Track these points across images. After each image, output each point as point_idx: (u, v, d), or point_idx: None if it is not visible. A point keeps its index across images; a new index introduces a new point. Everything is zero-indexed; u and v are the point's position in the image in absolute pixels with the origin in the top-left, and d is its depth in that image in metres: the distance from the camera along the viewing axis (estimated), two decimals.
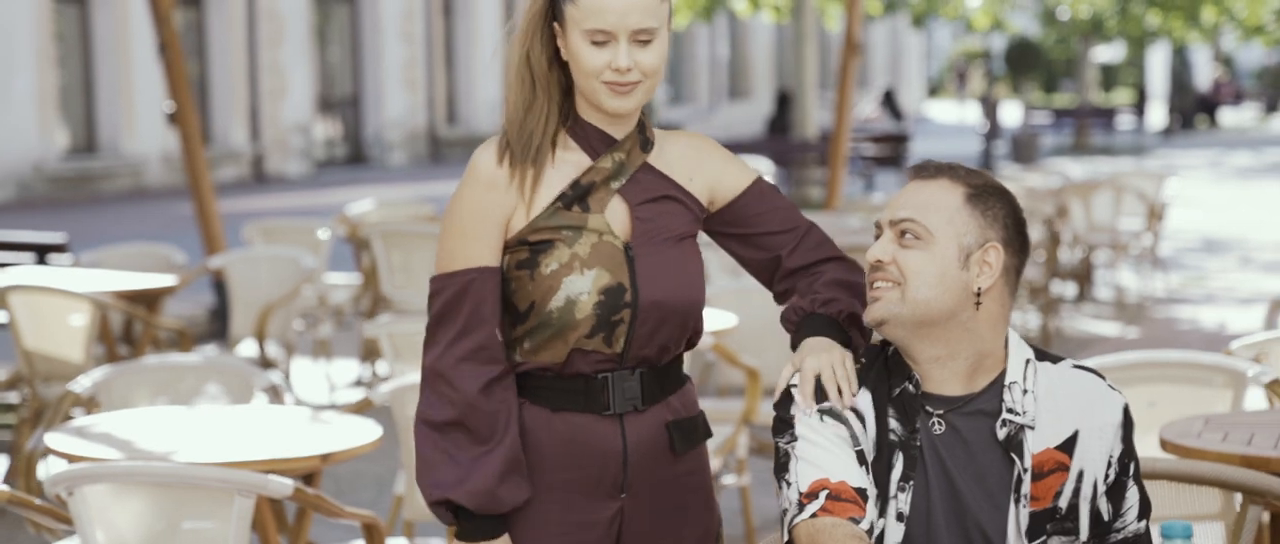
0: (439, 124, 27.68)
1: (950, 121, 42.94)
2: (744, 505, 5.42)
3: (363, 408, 4.44)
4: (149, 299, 6.90)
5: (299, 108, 24.51)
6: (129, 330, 7.04)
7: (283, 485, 3.47)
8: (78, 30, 21.28)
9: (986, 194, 2.51)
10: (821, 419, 2.49)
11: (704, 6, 18.82)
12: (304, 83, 24.65)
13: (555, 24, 2.62)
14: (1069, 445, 2.47)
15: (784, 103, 21.81)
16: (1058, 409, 2.48)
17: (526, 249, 2.62)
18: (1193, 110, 39.98)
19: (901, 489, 2.46)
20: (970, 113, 40.61)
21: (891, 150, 19.83)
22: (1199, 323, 10.54)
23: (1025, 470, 2.46)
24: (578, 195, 2.63)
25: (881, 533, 2.46)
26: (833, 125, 12.53)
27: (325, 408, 5.06)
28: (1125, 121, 34.70)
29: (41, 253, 8.25)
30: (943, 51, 57.48)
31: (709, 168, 2.70)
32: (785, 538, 2.47)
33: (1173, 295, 11.89)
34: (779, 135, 20.77)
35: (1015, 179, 13.50)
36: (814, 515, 2.41)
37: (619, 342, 2.62)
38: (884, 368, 2.53)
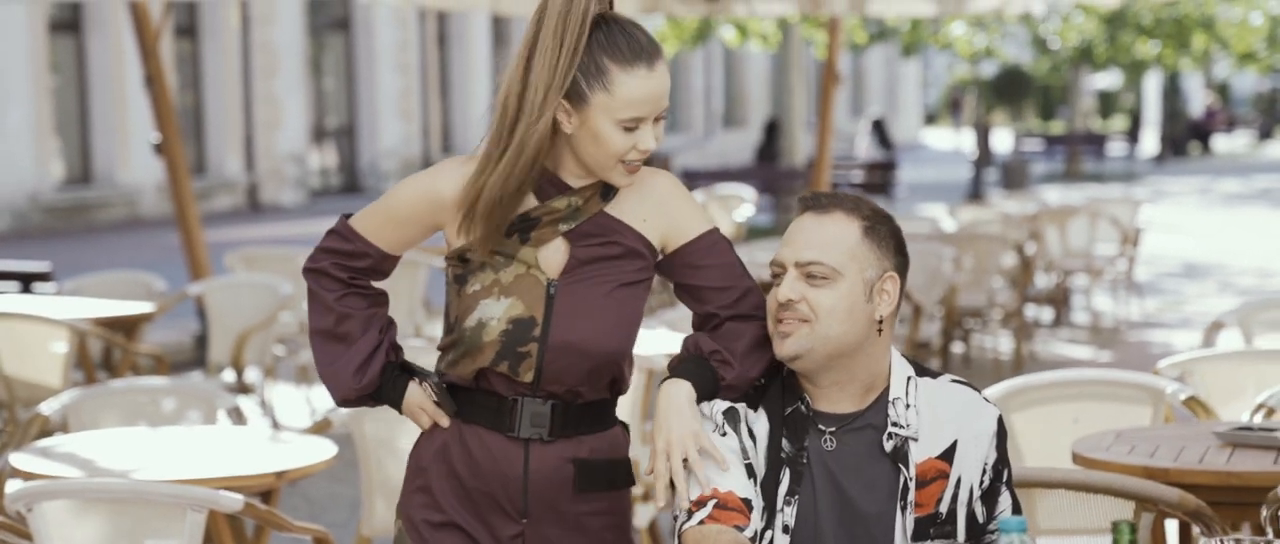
0: (434, 152, 27.87)
1: (946, 149, 43.14)
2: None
3: (322, 428, 4.60)
4: (128, 326, 7.06)
5: (294, 137, 24.71)
6: (108, 357, 7.20)
7: (233, 501, 3.61)
8: (73, 61, 21.48)
9: (877, 223, 2.65)
10: (718, 431, 2.63)
11: (692, 35, 19.01)
12: (299, 113, 24.85)
13: (565, 101, 2.62)
14: (949, 454, 2.63)
15: (772, 131, 22.00)
16: (938, 420, 2.64)
17: (462, 265, 2.73)
18: (1185, 137, 40.15)
19: (788, 503, 2.60)
20: (966, 140, 40.83)
21: (880, 178, 20.01)
22: (1172, 346, 10.68)
23: (911, 479, 2.61)
24: (523, 226, 2.69)
25: (769, 543, 2.60)
26: (816, 149, 12.70)
27: (291, 430, 5.21)
28: (1117, 148, 34.88)
29: (26, 282, 8.42)
30: (942, 80, 57.75)
31: (666, 211, 2.73)
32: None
33: (1148, 319, 12.03)
34: (767, 163, 20.96)
35: (994, 205, 13.65)
36: (701, 523, 2.56)
37: (528, 372, 2.68)
38: (779, 388, 2.67)
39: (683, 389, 2.64)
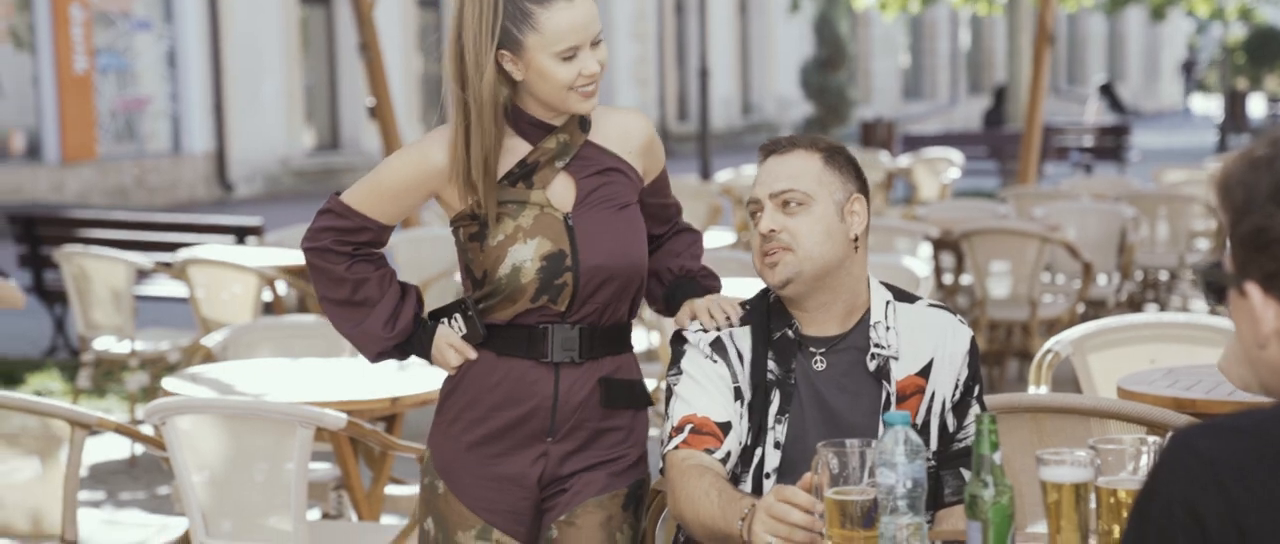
0: (670, 120, 28.28)
1: (1212, 115, 41.80)
2: None
3: None
4: None
5: None
6: (303, 303, 7.72)
7: (336, 419, 3.95)
8: (323, 33, 22.49)
9: (835, 154, 2.87)
10: (708, 359, 2.84)
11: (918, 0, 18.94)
12: None
13: (501, 51, 2.84)
14: (926, 371, 2.81)
15: (1000, 97, 21.75)
16: (916, 341, 2.82)
17: (475, 223, 2.92)
18: None
19: (778, 421, 2.80)
20: (1201, 105, 39.46)
21: (1111, 142, 19.63)
22: None
23: (892, 394, 2.80)
24: (523, 173, 2.91)
25: (761, 459, 2.80)
26: (1026, 113, 12.62)
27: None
28: None
29: (240, 235, 9.04)
30: (1212, 44, 55.80)
31: (646, 148, 3.00)
32: (661, 467, 2.86)
33: None
34: (993, 128, 20.75)
35: (1206, 167, 13.32)
36: (676, 447, 2.80)
37: (564, 301, 2.90)
38: (765, 314, 2.87)
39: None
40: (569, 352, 2.93)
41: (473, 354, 2.97)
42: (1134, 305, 9.34)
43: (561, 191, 2.93)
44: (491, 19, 2.81)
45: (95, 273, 7.32)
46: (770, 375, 2.81)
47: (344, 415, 3.98)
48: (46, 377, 8.79)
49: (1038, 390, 4.10)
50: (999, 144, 18.52)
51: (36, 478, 4.22)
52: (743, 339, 2.86)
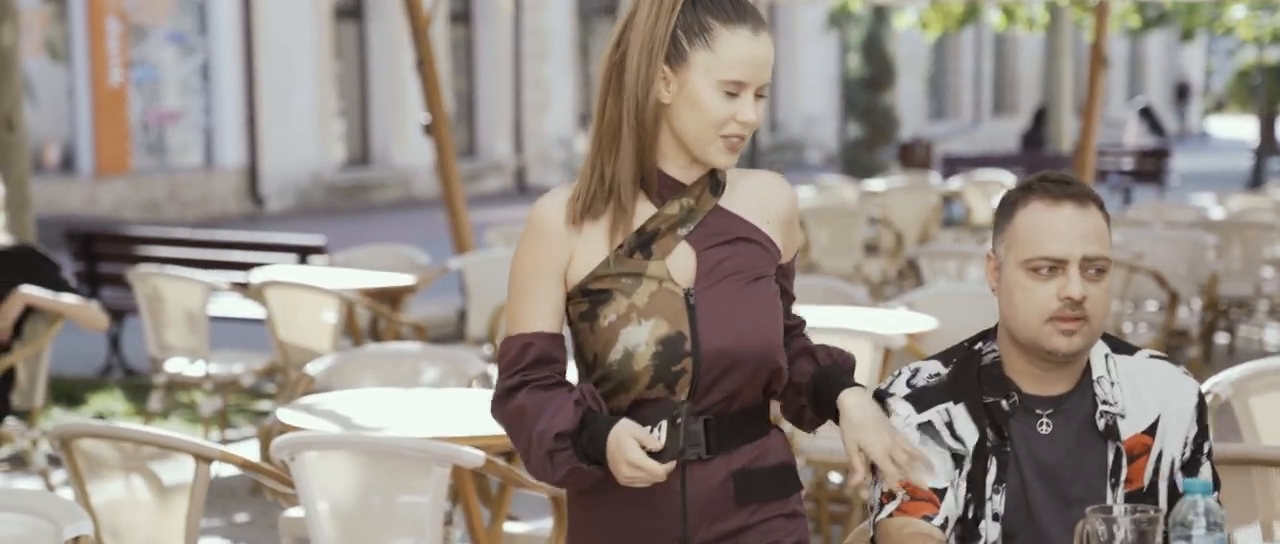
0: None
1: (1232, 137, 41.61)
2: None
3: None
4: (392, 297, 7.42)
5: (561, 121, 25.27)
6: (375, 326, 7.57)
7: (474, 456, 3.81)
8: (355, 47, 22.38)
9: (1103, 204, 2.68)
10: (918, 438, 2.65)
11: (958, 18, 18.78)
12: (567, 97, 25.40)
13: (665, 65, 2.53)
14: (1152, 429, 2.65)
15: (1040, 118, 21.60)
16: (1140, 397, 2.65)
17: (586, 300, 2.57)
18: None
19: (996, 491, 2.63)
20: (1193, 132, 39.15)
21: (1151, 166, 19.48)
22: None
23: (1124, 456, 2.63)
24: (641, 243, 2.56)
25: (983, 533, 2.64)
26: (1079, 136, 12.50)
27: None
28: None
29: (303, 254, 8.90)
30: (1227, 68, 55.65)
31: (788, 223, 2.65)
32: (871, 533, 2.69)
33: None
34: (1032, 150, 20.61)
35: (1269, 193, 13.19)
36: (891, 515, 2.63)
37: (684, 390, 2.54)
38: (976, 380, 2.68)
39: (871, 398, 2.61)
40: (696, 448, 2.55)
41: (660, 473, 2.47)
42: (1206, 336, 9.18)
43: (682, 263, 2.57)
44: (667, 21, 2.50)
45: (169, 293, 7.18)
46: (988, 444, 2.64)
47: (481, 454, 3.84)
48: (109, 397, 8.65)
49: None
50: (1039, 165, 18.36)
51: (155, 512, 4.08)
52: (957, 412, 2.66)
